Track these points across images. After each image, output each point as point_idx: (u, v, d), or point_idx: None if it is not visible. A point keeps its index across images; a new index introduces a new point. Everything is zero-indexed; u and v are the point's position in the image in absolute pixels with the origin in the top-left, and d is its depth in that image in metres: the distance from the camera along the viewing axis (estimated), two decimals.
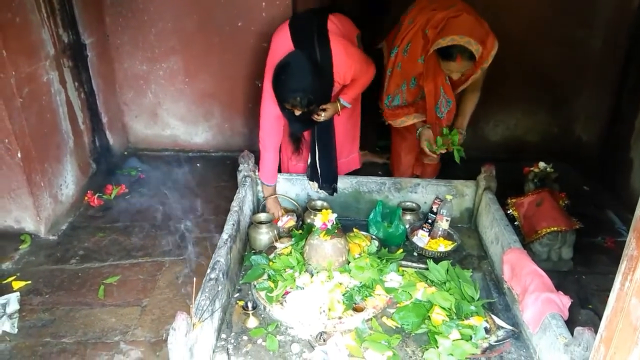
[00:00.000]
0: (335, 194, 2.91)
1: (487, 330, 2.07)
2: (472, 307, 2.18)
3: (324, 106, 2.60)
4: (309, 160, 2.91)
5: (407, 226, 2.77)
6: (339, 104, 2.66)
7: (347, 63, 2.54)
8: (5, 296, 2.35)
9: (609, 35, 3.51)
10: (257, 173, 2.91)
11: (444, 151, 2.83)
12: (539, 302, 1.98)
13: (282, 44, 2.52)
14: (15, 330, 2.20)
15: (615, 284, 1.22)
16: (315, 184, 2.91)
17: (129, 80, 3.73)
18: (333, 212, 2.35)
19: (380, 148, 3.83)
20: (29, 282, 2.50)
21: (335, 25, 2.60)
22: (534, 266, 2.15)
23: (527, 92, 3.75)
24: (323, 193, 2.93)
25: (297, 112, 2.50)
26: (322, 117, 2.61)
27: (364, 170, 3.32)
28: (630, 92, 3.41)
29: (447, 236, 2.72)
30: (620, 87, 3.52)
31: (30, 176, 2.70)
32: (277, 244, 2.58)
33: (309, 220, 2.73)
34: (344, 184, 2.94)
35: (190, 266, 2.63)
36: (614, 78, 3.55)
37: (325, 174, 2.86)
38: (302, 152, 2.95)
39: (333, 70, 2.53)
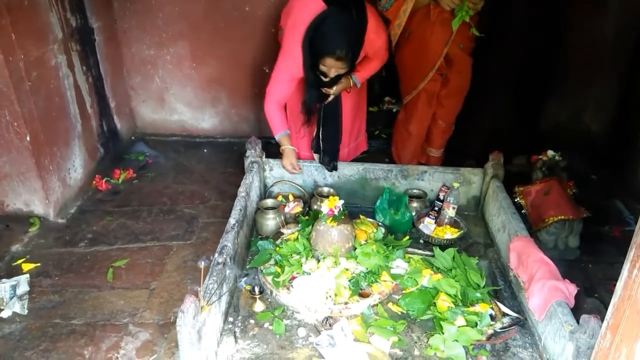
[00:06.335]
0: (334, 171, 2.90)
1: (492, 317, 2.08)
2: (478, 294, 2.18)
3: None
4: (314, 133, 2.89)
5: (413, 213, 2.78)
6: (351, 81, 2.63)
7: (377, 33, 2.50)
8: (15, 278, 2.38)
9: (620, 23, 3.46)
10: (264, 159, 2.91)
11: None
12: (545, 289, 1.98)
13: (310, 4, 2.40)
14: (25, 312, 2.23)
15: (623, 271, 1.22)
16: (317, 156, 2.90)
17: (136, 64, 3.73)
18: (340, 199, 2.35)
19: (386, 136, 3.83)
20: (39, 264, 2.53)
21: None
22: (541, 254, 2.15)
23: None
24: (330, 179, 2.93)
25: (333, 73, 2.41)
26: (333, 90, 2.58)
27: (371, 157, 3.31)
28: None
29: (454, 224, 2.73)
30: (631, 76, 3.47)
31: (39, 159, 2.72)
32: (284, 230, 2.59)
33: (315, 207, 2.74)
34: (351, 170, 2.93)
35: (198, 251, 2.65)
36: (624, 67, 3.51)
37: (327, 148, 2.83)
38: (311, 125, 2.84)
39: (365, 37, 2.46)
